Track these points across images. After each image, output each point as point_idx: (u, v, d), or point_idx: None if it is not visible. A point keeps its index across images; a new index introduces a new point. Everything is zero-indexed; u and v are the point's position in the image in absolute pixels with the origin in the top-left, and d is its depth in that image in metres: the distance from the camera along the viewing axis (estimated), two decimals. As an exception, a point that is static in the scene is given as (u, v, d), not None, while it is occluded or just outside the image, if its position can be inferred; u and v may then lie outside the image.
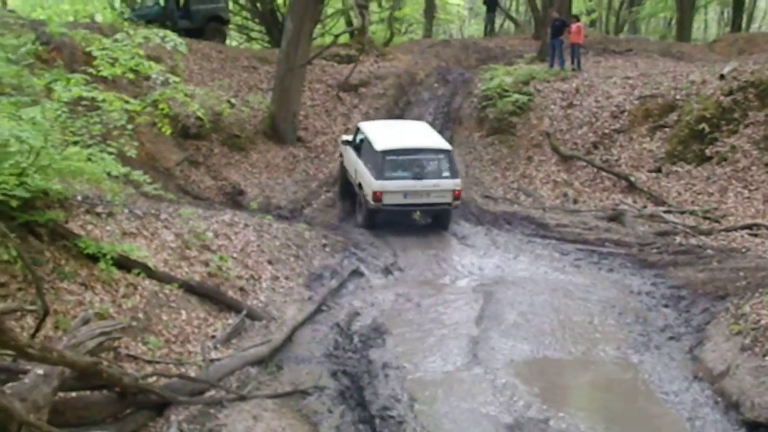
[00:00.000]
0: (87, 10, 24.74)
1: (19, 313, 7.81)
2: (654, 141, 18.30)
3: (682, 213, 15.84)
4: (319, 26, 28.00)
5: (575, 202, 17.24)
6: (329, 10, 31.53)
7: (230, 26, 29.29)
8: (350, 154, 16.14)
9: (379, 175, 14.35)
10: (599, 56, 25.14)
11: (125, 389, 7.45)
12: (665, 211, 15.92)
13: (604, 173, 18.01)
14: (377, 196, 14.36)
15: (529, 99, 20.51)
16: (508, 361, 9.73)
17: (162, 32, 10.29)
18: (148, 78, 13.12)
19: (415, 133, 16.00)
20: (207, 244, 11.47)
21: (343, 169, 16.99)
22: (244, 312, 10.29)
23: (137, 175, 9.81)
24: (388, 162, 14.44)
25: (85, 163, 8.94)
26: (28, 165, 8.14)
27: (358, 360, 9.69)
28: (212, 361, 8.99)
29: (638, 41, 30.30)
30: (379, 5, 36.91)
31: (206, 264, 10.98)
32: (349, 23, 30.48)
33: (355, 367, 9.46)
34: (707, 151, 17.26)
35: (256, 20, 31.64)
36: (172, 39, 10.24)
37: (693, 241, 14.31)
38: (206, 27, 24.32)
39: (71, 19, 22.87)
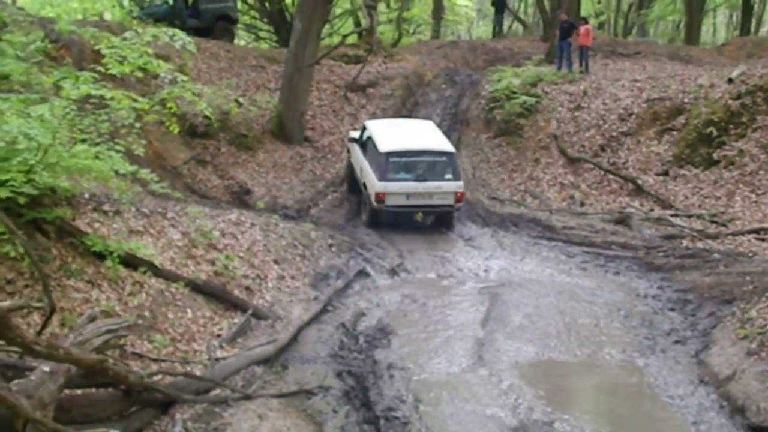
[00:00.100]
0: (96, 8, 24.73)
1: (25, 310, 7.81)
2: (661, 144, 18.26)
3: (689, 216, 15.79)
4: (327, 26, 28.05)
5: (582, 204, 17.21)
6: (338, 11, 31.59)
7: (239, 25, 29.36)
8: (356, 151, 16.29)
9: (383, 177, 14.42)
10: (607, 59, 25.12)
11: (131, 387, 7.45)
12: (672, 215, 15.87)
13: (611, 176, 17.98)
14: (380, 197, 14.43)
15: (537, 101, 20.51)
16: (514, 363, 9.71)
17: (171, 31, 10.27)
18: (156, 77, 13.14)
19: (419, 135, 16.02)
20: (213, 243, 11.47)
21: (350, 166, 17.18)
22: (250, 311, 10.30)
23: (144, 173, 9.87)
24: (392, 164, 14.50)
25: (92, 161, 8.97)
26: (36, 162, 8.17)
27: (363, 360, 9.68)
28: (218, 359, 8.98)
29: (647, 44, 30.25)
30: (388, 6, 36.94)
31: (212, 263, 10.99)
32: (357, 24, 30.53)
33: (360, 368, 9.45)
34: (715, 155, 17.20)
35: (265, 20, 31.72)
36: (181, 38, 10.23)
37: (700, 244, 14.27)
38: (215, 26, 24.39)
39: (80, 17, 22.87)
